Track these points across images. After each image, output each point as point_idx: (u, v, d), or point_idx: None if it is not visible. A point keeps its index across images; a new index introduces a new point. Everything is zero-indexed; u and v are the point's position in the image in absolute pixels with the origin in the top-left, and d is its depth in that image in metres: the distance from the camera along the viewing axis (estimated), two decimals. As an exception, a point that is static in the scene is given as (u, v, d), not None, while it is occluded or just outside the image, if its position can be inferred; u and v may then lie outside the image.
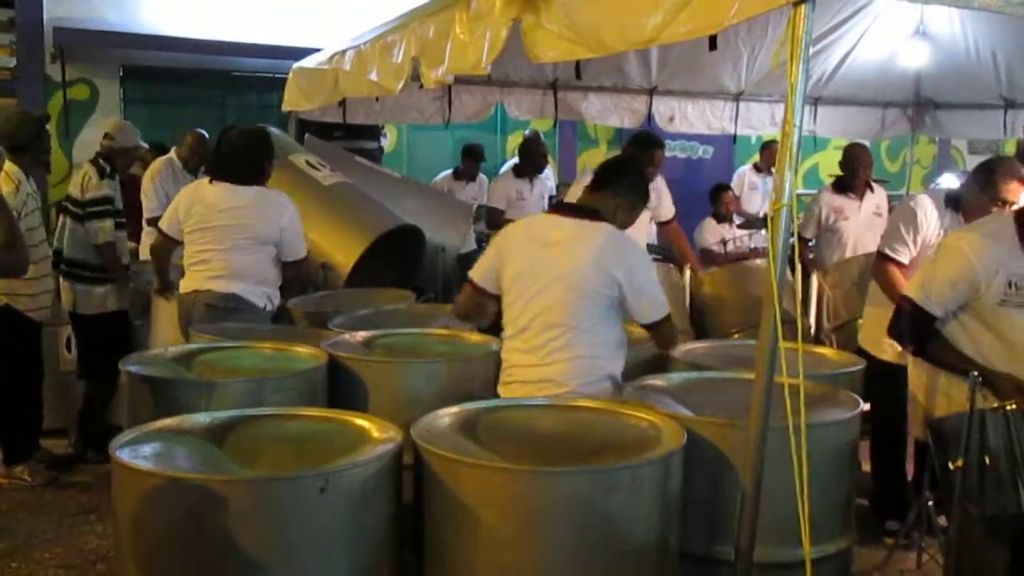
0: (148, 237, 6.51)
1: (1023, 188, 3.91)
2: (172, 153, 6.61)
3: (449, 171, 8.52)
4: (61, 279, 5.34)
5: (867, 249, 5.76)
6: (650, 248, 6.07)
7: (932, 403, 3.43)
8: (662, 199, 5.83)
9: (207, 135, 6.69)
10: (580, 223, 3.25)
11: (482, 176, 8.56)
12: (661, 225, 5.99)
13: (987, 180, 3.96)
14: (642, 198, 3.48)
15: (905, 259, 4.18)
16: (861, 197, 5.89)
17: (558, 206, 3.48)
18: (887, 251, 4.24)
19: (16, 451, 5.00)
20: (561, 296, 3.17)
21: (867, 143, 6.68)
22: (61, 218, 5.46)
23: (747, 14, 2.60)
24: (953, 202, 4.18)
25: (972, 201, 4.06)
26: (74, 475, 5.11)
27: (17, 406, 5.01)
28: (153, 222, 6.38)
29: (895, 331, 3.48)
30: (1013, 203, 3.97)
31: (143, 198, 6.46)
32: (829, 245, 5.92)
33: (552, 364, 3.18)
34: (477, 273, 3.41)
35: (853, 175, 5.86)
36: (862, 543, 4.09)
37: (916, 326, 3.36)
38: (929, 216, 4.18)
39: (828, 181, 9.71)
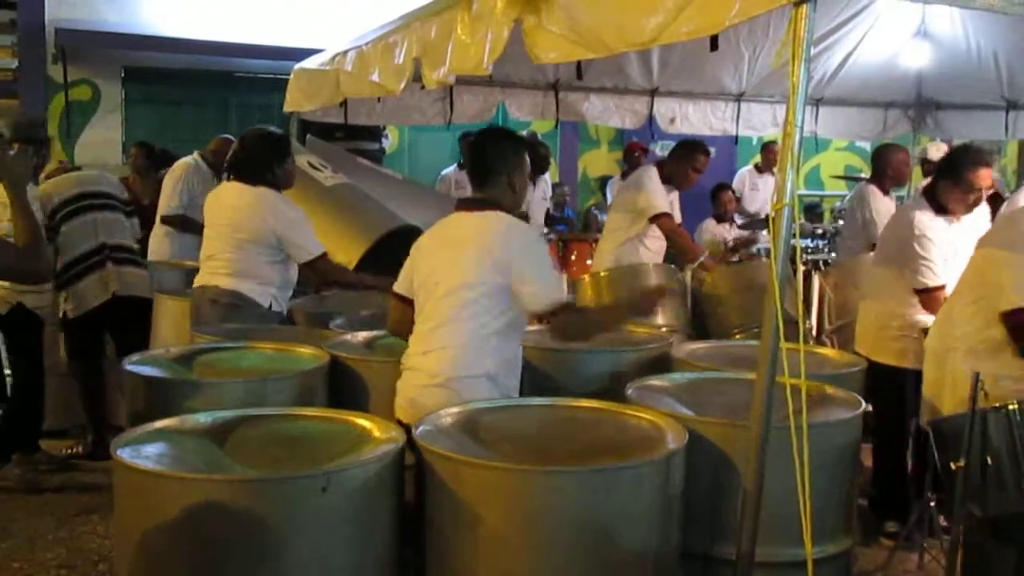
0: (158, 234, 6.59)
1: (989, 170, 4.09)
2: (195, 155, 6.65)
3: (453, 165, 8.53)
4: (140, 270, 5.52)
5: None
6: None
7: (941, 401, 3.43)
8: (675, 205, 5.83)
9: (233, 139, 6.73)
10: (473, 216, 3.18)
11: None
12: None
13: (956, 174, 4.15)
14: (521, 154, 3.27)
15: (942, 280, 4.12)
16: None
17: (459, 202, 3.38)
18: (931, 283, 4.14)
19: (11, 450, 5.01)
20: (453, 293, 3.07)
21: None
22: (108, 214, 5.50)
23: (748, 14, 2.60)
24: (937, 204, 4.22)
25: (949, 198, 4.18)
26: (76, 475, 5.13)
27: (24, 404, 5.04)
28: (166, 220, 6.50)
29: None
30: (985, 187, 4.07)
31: (162, 198, 6.57)
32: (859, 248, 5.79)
33: (427, 354, 3.10)
34: (398, 284, 3.34)
35: (899, 177, 5.77)
36: (864, 544, 4.10)
37: None
38: (935, 229, 4.19)
39: (829, 182, 9.62)
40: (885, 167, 5.73)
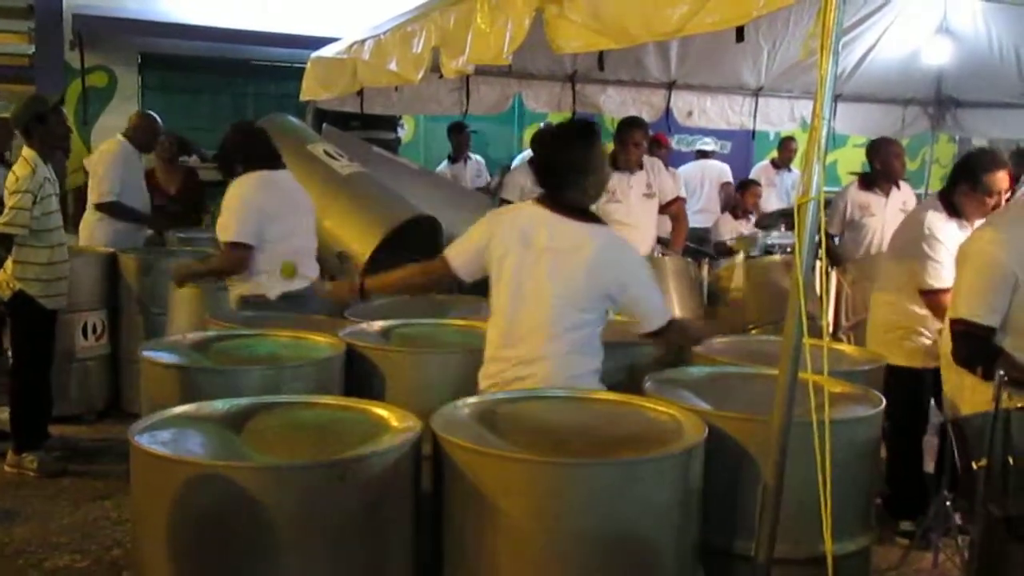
0: (90, 220, 6.37)
1: (1008, 174, 4.04)
2: (120, 137, 6.54)
3: (445, 161, 8.54)
4: None
5: None
6: (661, 241, 6.02)
7: (960, 401, 3.40)
8: (663, 181, 5.76)
9: (157, 117, 6.78)
10: (574, 226, 3.06)
11: (478, 157, 8.61)
12: (663, 208, 5.85)
13: (974, 178, 4.09)
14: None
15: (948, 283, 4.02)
16: (888, 193, 5.82)
17: (545, 200, 3.12)
18: (936, 285, 4.11)
19: (24, 439, 4.99)
20: (551, 306, 3.04)
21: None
22: None
23: (775, 6, 2.58)
24: (952, 208, 4.19)
25: (967, 203, 4.13)
26: (90, 461, 5.14)
27: (27, 393, 5.02)
28: (101, 207, 6.27)
29: (960, 358, 3.40)
30: (1004, 190, 4.01)
31: (93, 179, 6.36)
32: (854, 242, 5.85)
33: (537, 362, 3.08)
34: (454, 252, 3.25)
35: (887, 169, 5.77)
36: (878, 542, 4.07)
37: (979, 345, 3.32)
38: (946, 232, 4.16)
39: (847, 178, 9.62)
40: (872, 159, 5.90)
